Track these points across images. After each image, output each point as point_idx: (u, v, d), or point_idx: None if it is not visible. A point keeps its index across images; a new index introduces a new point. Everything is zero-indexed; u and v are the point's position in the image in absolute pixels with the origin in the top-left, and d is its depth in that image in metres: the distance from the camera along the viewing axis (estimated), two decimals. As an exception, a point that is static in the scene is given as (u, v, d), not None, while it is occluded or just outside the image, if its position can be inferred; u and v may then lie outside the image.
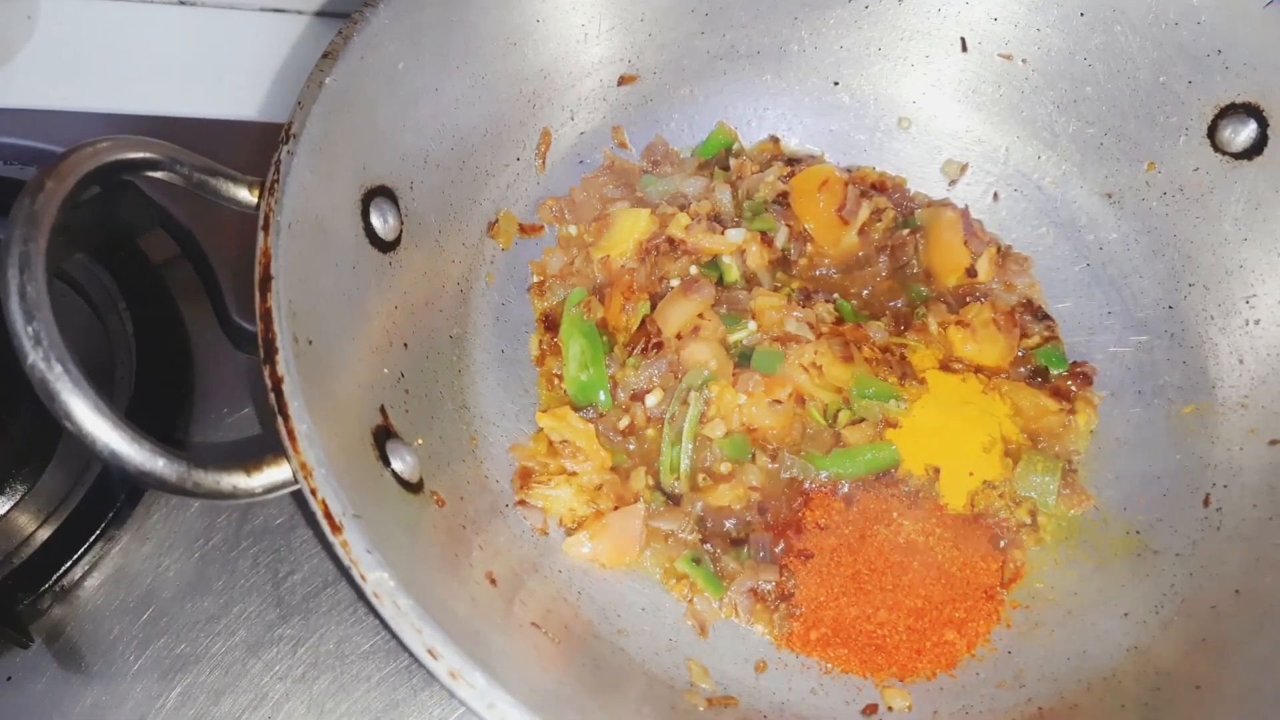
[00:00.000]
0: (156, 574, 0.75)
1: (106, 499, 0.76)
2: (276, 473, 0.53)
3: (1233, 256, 0.79)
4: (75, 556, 0.74)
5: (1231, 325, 0.79)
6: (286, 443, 0.50)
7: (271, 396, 0.52)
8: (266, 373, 0.52)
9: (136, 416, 0.78)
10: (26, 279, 0.48)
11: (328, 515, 0.48)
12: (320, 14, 1.10)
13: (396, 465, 0.59)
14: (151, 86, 1.04)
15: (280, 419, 0.51)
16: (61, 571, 0.74)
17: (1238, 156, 0.78)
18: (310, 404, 0.52)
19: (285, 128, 0.61)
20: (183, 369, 0.84)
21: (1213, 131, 0.80)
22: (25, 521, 0.77)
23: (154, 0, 1.11)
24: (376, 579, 0.47)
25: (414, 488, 0.60)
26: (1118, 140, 0.85)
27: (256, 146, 0.95)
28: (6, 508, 0.76)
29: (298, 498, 0.53)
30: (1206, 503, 0.73)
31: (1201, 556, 0.70)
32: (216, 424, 0.81)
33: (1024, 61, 0.87)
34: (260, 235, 0.56)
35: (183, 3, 1.12)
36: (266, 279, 0.55)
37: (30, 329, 0.48)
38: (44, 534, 0.76)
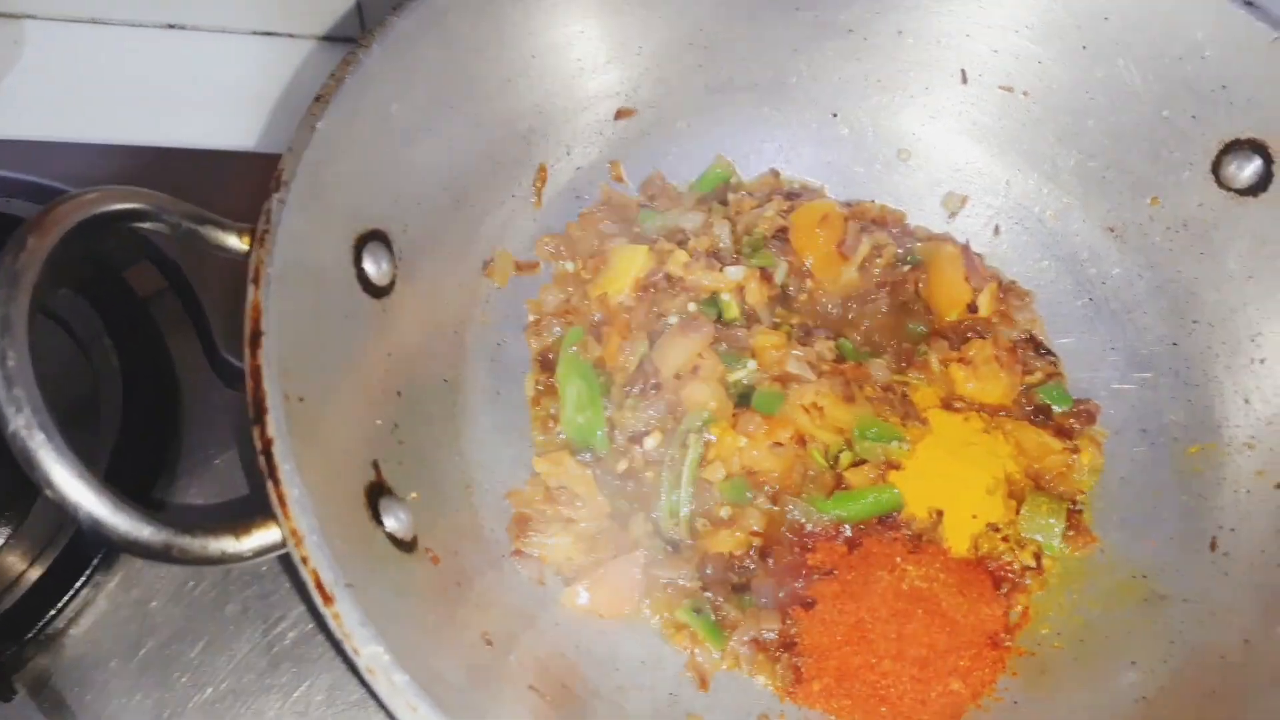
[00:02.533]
0: (144, 620, 0.73)
1: (93, 542, 0.74)
2: (266, 535, 0.51)
3: (1237, 294, 0.78)
4: (61, 603, 0.73)
5: (1237, 364, 0.78)
6: (277, 508, 0.49)
7: (261, 459, 0.50)
8: (256, 434, 0.51)
9: (122, 457, 0.77)
10: (7, 344, 0.47)
11: (319, 586, 0.46)
12: (315, 38, 1.08)
13: (390, 524, 0.57)
14: (142, 114, 1.02)
15: (271, 483, 0.49)
16: (47, 619, 0.72)
17: (1242, 193, 0.78)
18: (302, 465, 0.50)
19: (275, 175, 0.59)
20: (170, 405, 0.82)
21: (1217, 167, 0.79)
22: (12, 563, 0.75)
23: (142, 24, 1.10)
24: (371, 654, 0.45)
25: (407, 546, 0.58)
26: (1120, 174, 0.84)
27: (251, 179, 0.94)
28: (-7, 549, 0.75)
29: (286, 559, 0.52)
30: (1214, 547, 0.72)
31: (1210, 603, 0.69)
32: (205, 464, 0.80)
33: (1025, 94, 0.87)
34: (250, 289, 0.55)
35: (171, 26, 1.10)
36: (256, 335, 0.53)
37: (13, 394, 0.47)
38: (30, 578, 0.74)
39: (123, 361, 0.82)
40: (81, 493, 0.47)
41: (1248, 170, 0.77)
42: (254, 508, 0.52)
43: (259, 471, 0.51)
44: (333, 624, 0.46)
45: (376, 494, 0.58)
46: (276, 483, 0.49)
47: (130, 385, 0.81)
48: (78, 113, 1.02)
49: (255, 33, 1.09)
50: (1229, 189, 0.78)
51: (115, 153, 0.96)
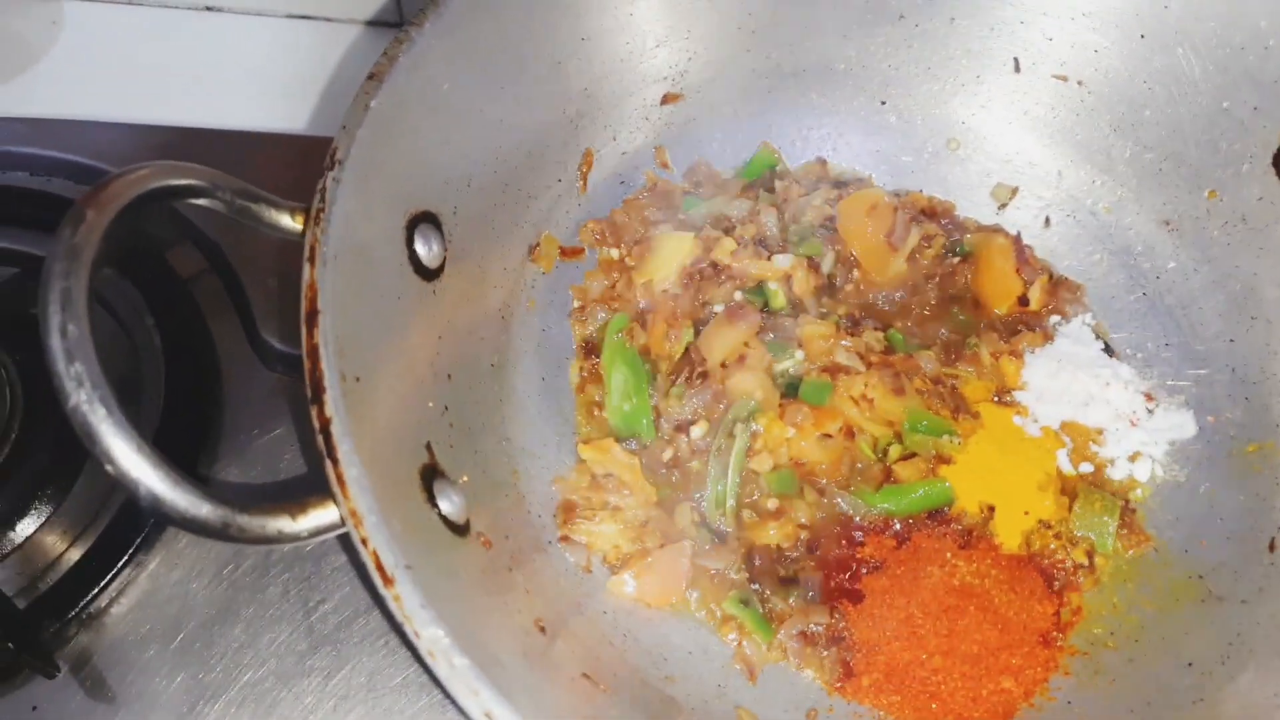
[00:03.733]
0: (185, 601, 0.73)
1: (135, 521, 0.74)
2: (323, 515, 0.51)
3: (1299, 291, 0.77)
4: (104, 582, 0.72)
5: (1296, 362, 0.76)
6: (335, 488, 0.48)
7: (319, 438, 0.49)
8: (314, 413, 0.50)
9: (165, 436, 0.77)
10: (68, 316, 0.46)
11: (379, 567, 0.46)
12: (352, 22, 1.08)
13: (444, 506, 0.57)
14: (179, 95, 1.02)
15: (329, 463, 0.49)
16: (89, 598, 0.72)
17: (1305, 187, 0.76)
18: (359, 445, 0.50)
19: (330, 153, 0.59)
20: (212, 386, 0.82)
21: (1278, 161, 0.77)
22: (53, 543, 0.75)
23: (179, 6, 1.10)
24: (431, 636, 0.45)
25: (461, 530, 0.58)
26: (1177, 166, 0.82)
27: (286, 161, 0.94)
28: (33, 529, 0.75)
29: (343, 538, 0.51)
30: (1272, 548, 0.71)
31: (1269, 605, 0.68)
32: (247, 445, 0.79)
33: (1080, 83, 0.85)
34: (306, 267, 0.54)
35: (209, 9, 1.10)
36: (313, 313, 0.53)
37: (73, 369, 0.46)
38: (72, 557, 0.74)
39: (164, 341, 0.83)
40: (142, 469, 0.46)
41: (1311, 164, 0.75)
42: (308, 487, 0.51)
43: (315, 451, 0.50)
44: (393, 605, 0.45)
45: (430, 476, 0.57)
46: (335, 462, 0.49)
47: (172, 365, 0.81)
48: (115, 93, 1.02)
49: (291, 16, 1.09)
50: (1291, 182, 0.76)
51: (153, 132, 0.95)
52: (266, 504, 0.50)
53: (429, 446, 0.59)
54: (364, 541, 0.47)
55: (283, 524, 0.50)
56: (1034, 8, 0.83)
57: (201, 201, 0.57)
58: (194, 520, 0.48)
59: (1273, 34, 0.75)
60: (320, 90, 1.03)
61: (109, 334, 0.84)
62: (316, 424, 0.50)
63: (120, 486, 0.47)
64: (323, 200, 0.57)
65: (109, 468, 0.46)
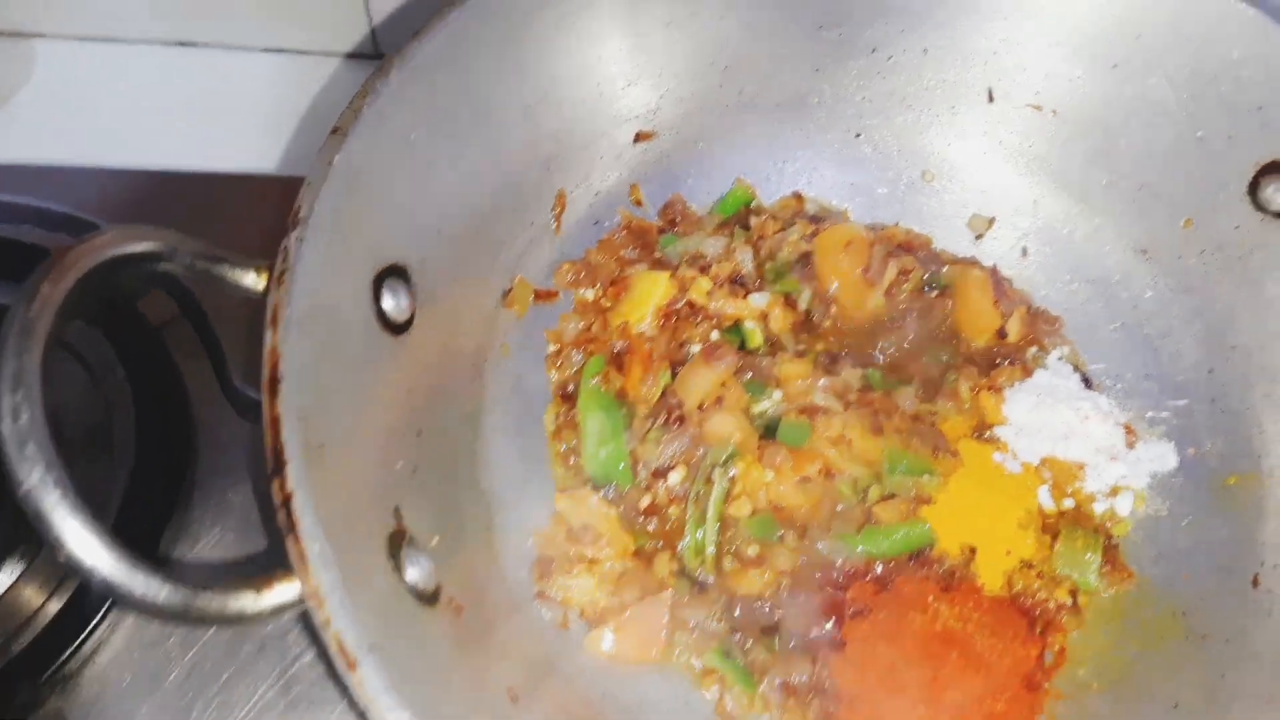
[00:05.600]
0: (161, 659, 0.72)
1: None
2: (287, 590, 0.50)
3: (1276, 319, 0.76)
4: (80, 639, 0.71)
5: (1276, 391, 0.75)
6: (298, 566, 0.47)
7: (281, 513, 0.48)
8: (275, 487, 0.49)
9: (136, 489, 0.76)
10: (20, 399, 0.46)
11: (342, 650, 0.45)
12: (328, 54, 1.07)
13: (411, 575, 0.56)
14: (156, 136, 1.01)
15: (291, 539, 0.48)
16: (66, 656, 0.71)
17: (1280, 216, 0.75)
18: (323, 518, 0.49)
19: (293, 211, 0.58)
20: (185, 437, 0.81)
21: (1254, 189, 0.76)
22: (29, 598, 0.74)
23: (154, 41, 1.09)
24: (396, 721, 0.44)
25: (430, 599, 0.57)
26: (1153, 195, 0.82)
27: (267, 202, 0.92)
28: (8, 584, 0.73)
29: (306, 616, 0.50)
30: (1255, 584, 0.70)
31: (1253, 644, 0.67)
32: (220, 496, 0.78)
33: (1054, 113, 0.84)
34: (268, 332, 0.53)
35: (183, 43, 1.09)
36: (275, 381, 0.52)
37: (26, 453, 0.45)
38: (48, 613, 0.72)
39: (136, 391, 0.81)
40: (97, 554, 0.45)
41: (1286, 194, 0.75)
42: (273, 559, 0.50)
43: (277, 525, 0.49)
44: (355, 690, 0.44)
45: (398, 543, 0.56)
46: (297, 539, 0.48)
47: (143, 415, 0.80)
48: (89, 135, 1.01)
49: (268, 49, 1.08)
50: (1266, 212, 0.76)
51: (127, 177, 0.94)
52: (229, 580, 0.49)
53: (397, 511, 0.58)
54: (327, 623, 0.46)
55: (245, 602, 0.49)
56: (1006, 38, 0.83)
57: (161, 267, 0.57)
58: (152, 605, 0.47)
59: (1246, 63, 0.75)
60: (296, 128, 1.02)
61: (78, 383, 0.83)
62: (278, 498, 0.49)
63: (74, 573, 0.46)
64: (285, 261, 0.56)
65: (61, 555, 0.45)
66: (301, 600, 0.49)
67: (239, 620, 0.49)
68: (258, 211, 0.91)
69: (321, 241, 0.57)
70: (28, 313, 0.48)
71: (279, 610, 0.49)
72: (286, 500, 0.49)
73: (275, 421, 0.50)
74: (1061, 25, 0.81)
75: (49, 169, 0.94)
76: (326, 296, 0.58)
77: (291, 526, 0.48)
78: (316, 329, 0.56)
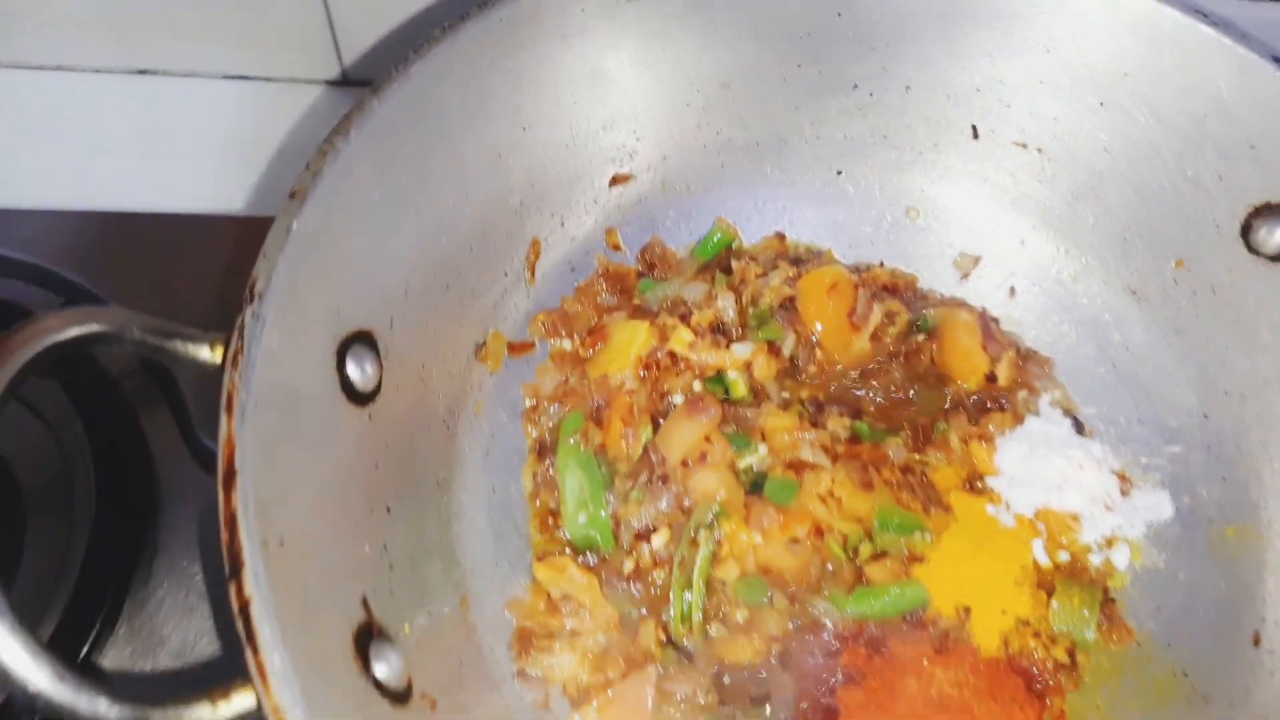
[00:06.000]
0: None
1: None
2: (246, 699, 0.46)
3: (1271, 365, 0.74)
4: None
5: (1273, 439, 0.73)
6: (258, 681, 0.44)
7: (239, 621, 0.45)
8: (232, 591, 0.46)
9: (97, 556, 0.73)
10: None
11: (307, 775, 0.42)
12: (292, 81, 1.03)
13: (381, 672, 0.52)
14: (112, 173, 0.97)
15: (249, 650, 0.44)
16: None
17: (1274, 259, 0.73)
18: (284, 624, 0.46)
19: (249, 285, 0.54)
20: (146, 496, 0.77)
21: (1246, 231, 0.74)
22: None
23: (112, 70, 1.04)
24: None
25: (402, 697, 0.53)
26: (1142, 235, 0.80)
27: (227, 241, 0.89)
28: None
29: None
30: (1257, 642, 0.68)
31: (1256, 706, 0.65)
32: (185, 567, 0.75)
33: (1039, 150, 0.82)
34: (223, 419, 0.50)
35: (142, 71, 1.05)
36: (230, 474, 0.48)
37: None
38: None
39: (94, 445, 0.78)
40: (40, 679, 0.42)
41: (1279, 236, 0.73)
42: (229, 663, 0.47)
43: (231, 623, 0.46)
44: (321, 820, 0.41)
45: (366, 638, 0.53)
46: (255, 650, 0.44)
47: (103, 471, 0.76)
48: (44, 172, 0.97)
49: (228, 77, 1.04)
50: (1260, 254, 0.74)
51: (83, 219, 0.90)
52: (183, 693, 0.46)
53: (365, 601, 0.55)
54: (289, 745, 0.42)
55: (202, 713, 0.46)
56: (991, 75, 0.81)
57: (111, 349, 0.53)
58: (97, 726, 0.43)
59: (1235, 101, 0.73)
60: (259, 162, 0.98)
61: (34, 437, 0.79)
62: (235, 604, 0.46)
63: (10, 696, 0.42)
64: (240, 339, 0.53)
65: (3, 682, 0.42)
66: (261, 711, 0.46)
67: (194, 737, 0.45)
68: (216, 256, 0.88)
69: (280, 315, 0.54)
70: (-42, 414, 0.44)
71: (238, 721, 0.46)
72: (244, 607, 0.45)
73: (231, 519, 0.47)
74: (1047, 62, 0.78)
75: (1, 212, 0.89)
76: (287, 374, 0.54)
77: (250, 637, 0.45)
78: (276, 410, 0.53)
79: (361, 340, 0.62)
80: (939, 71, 0.82)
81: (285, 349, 0.54)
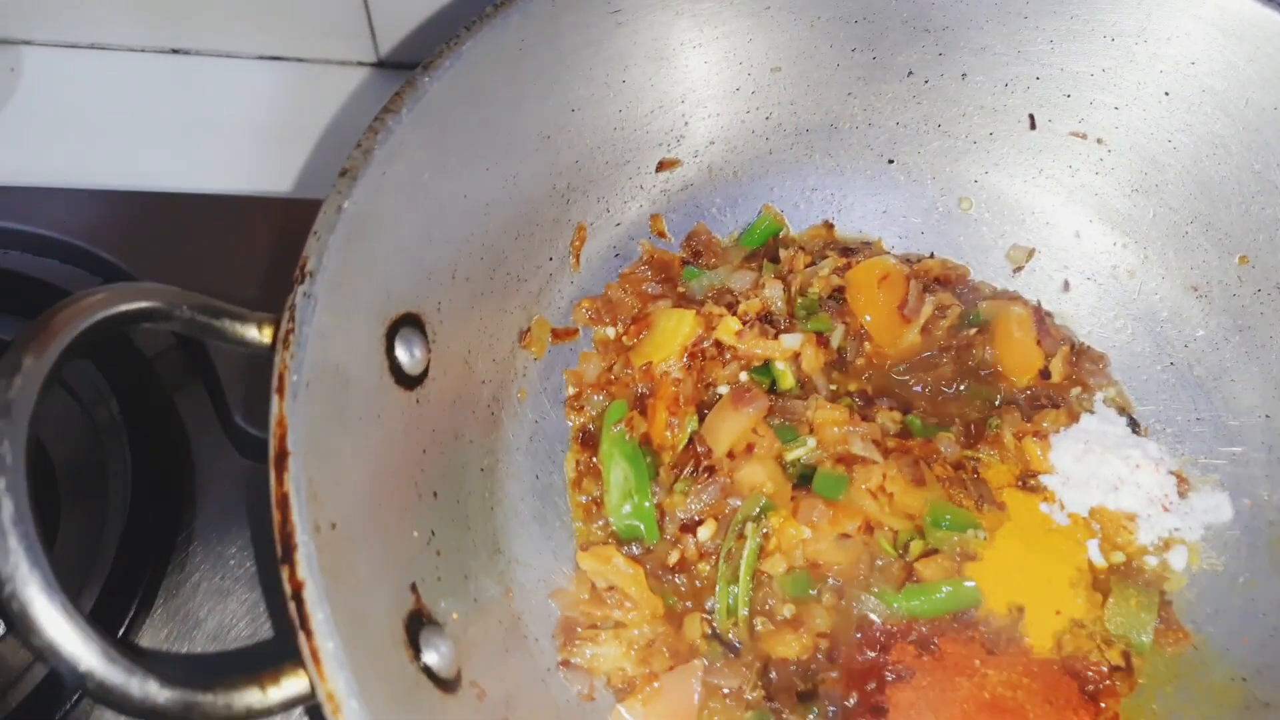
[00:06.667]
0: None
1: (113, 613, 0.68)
2: (298, 684, 0.45)
3: (1339, 365, 0.72)
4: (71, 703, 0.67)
5: (1339, 443, 0.71)
6: (310, 665, 0.43)
7: (291, 605, 0.44)
8: (285, 575, 0.45)
9: (132, 538, 0.72)
10: (4, 489, 0.41)
11: (362, 763, 0.41)
12: (326, 62, 1.02)
13: (430, 659, 0.51)
14: (148, 153, 0.96)
15: (303, 635, 0.43)
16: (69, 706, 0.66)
17: (1345, 256, 0.71)
18: (337, 609, 0.44)
19: (300, 264, 0.53)
20: (181, 476, 0.77)
21: (1315, 227, 0.72)
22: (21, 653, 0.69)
23: (145, 49, 1.04)
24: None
25: (451, 685, 0.52)
26: (1205, 229, 0.78)
27: (265, 222, 0.88)
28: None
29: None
30: (1321, 650, 0.66)
31: (1320, 716, 0.63)
32: (223, 549, 0.74)
33: (1099, 141, 0.80)
34: (274, 400, 0.49)
35: (176, 51, 1.04)
36: (283, 455, 0.47)
37: (8, 544, 0.41)
38: (39, 672, 0.68)
39: (129, 426, 0.77)
40: (91, 659, 0.41)
41: (1351, 232, 0.71)
42: (280, 646, 0.46)
43: (282, 602, 0.45)
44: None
45: (417, 625, 0.52)
46: (309, 634, 0.43)
47: (138, 453, 0.76)
48: (80, 152, 0.96)
49: (262, 57, 1.04)
50: (1330, 251, 0.72)
51: (121, 200, 0.89)
52: (233, 677, 0.45)
53: (414, 587, 0.54)
54: (344, 732, 0.41)
55: (251, 698, 0.45)
56: (1051, 63, 0.79)
57: (159, 325, 0.52)
58: (153, 710, 0.42)
59: (1307, 93, 0.71)
60: (296, 146, 0.97)
61: (70, 418, 0.78)
62: (289, 588, 0.44)
63: (59, 674, 0.41)
64: (292, 319, 0.51)
65: (53, 662, 0.41)
66: (312, 694, 0.45)
67: (246, 719, 0.44)
68: (249, 238, 0.87)
69: (331, 296, 0.53)
70: (8, 390, 0.43)
71: (288, 705, 0.45)
72: (298, 591, 0.44)
73: (284, 500, 0.46)
74: (1111, 51, 0.76)
75: (38, 190, 0.89)
76: (337, 355, 0.53)
77: (304, 621, 0.44)
78: (326, 391, 0.52)
79: (410, 323, 0.61)
80: (997, 59, 0.79)
81: (336, 330, 0.53)
